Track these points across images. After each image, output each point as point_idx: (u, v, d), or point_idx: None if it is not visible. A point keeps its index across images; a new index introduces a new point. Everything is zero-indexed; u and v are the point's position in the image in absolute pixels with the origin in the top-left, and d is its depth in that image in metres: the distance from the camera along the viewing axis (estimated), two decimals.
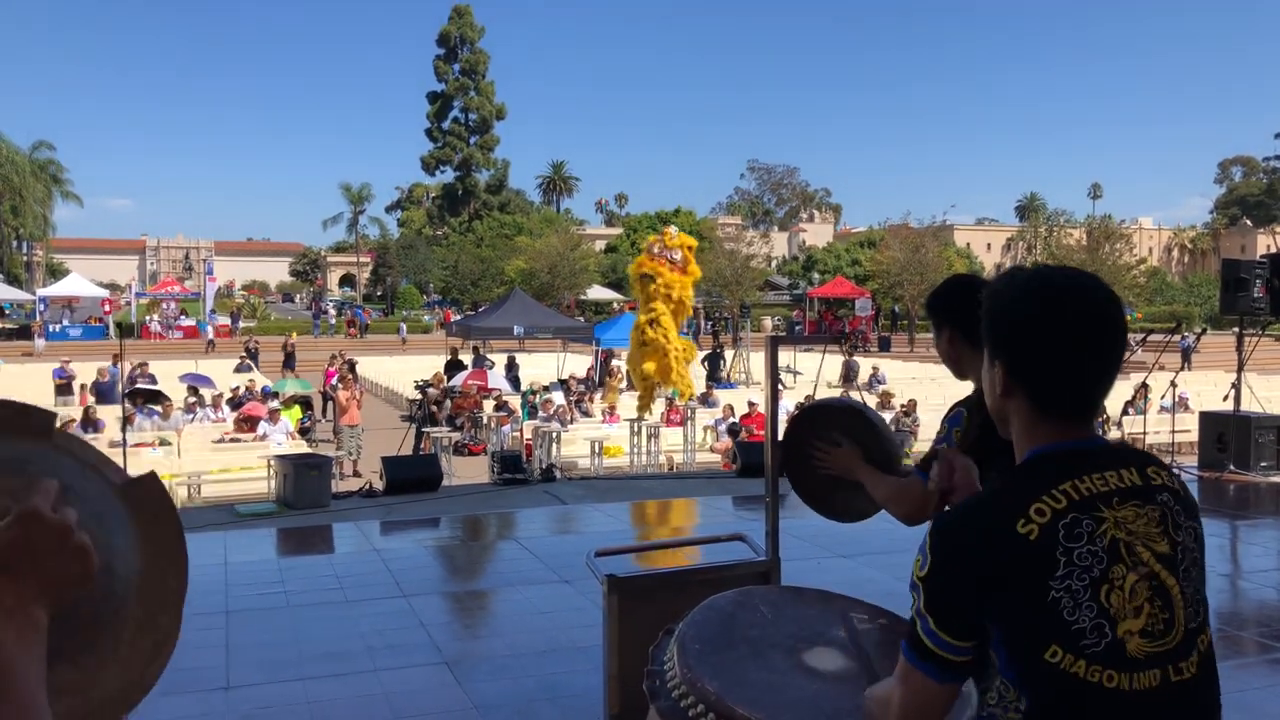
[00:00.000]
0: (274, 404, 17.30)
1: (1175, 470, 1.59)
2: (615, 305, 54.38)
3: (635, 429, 16.10)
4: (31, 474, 1.00)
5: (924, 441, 15.05)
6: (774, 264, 65.73)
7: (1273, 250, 12.46)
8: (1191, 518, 1.46)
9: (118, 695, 1.06)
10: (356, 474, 15.78)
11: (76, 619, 1.00)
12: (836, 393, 22.31)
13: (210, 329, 44.14)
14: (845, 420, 2.93)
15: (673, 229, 16.97)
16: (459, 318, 45.56)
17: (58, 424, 1.13)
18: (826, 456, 2.85)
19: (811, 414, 3.10)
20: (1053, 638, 1.33)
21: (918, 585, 1.40)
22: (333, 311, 55.99)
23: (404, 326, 50.27)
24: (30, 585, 0.91)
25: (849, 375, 26.40)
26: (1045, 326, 1.42)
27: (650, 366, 16.36)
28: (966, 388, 2.58)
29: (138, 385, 18.85)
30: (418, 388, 18.99)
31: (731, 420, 17.51)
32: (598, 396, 22.00)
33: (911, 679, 1.41)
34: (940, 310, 2.55)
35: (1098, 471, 1.41)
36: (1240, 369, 11.91)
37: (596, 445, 15.81)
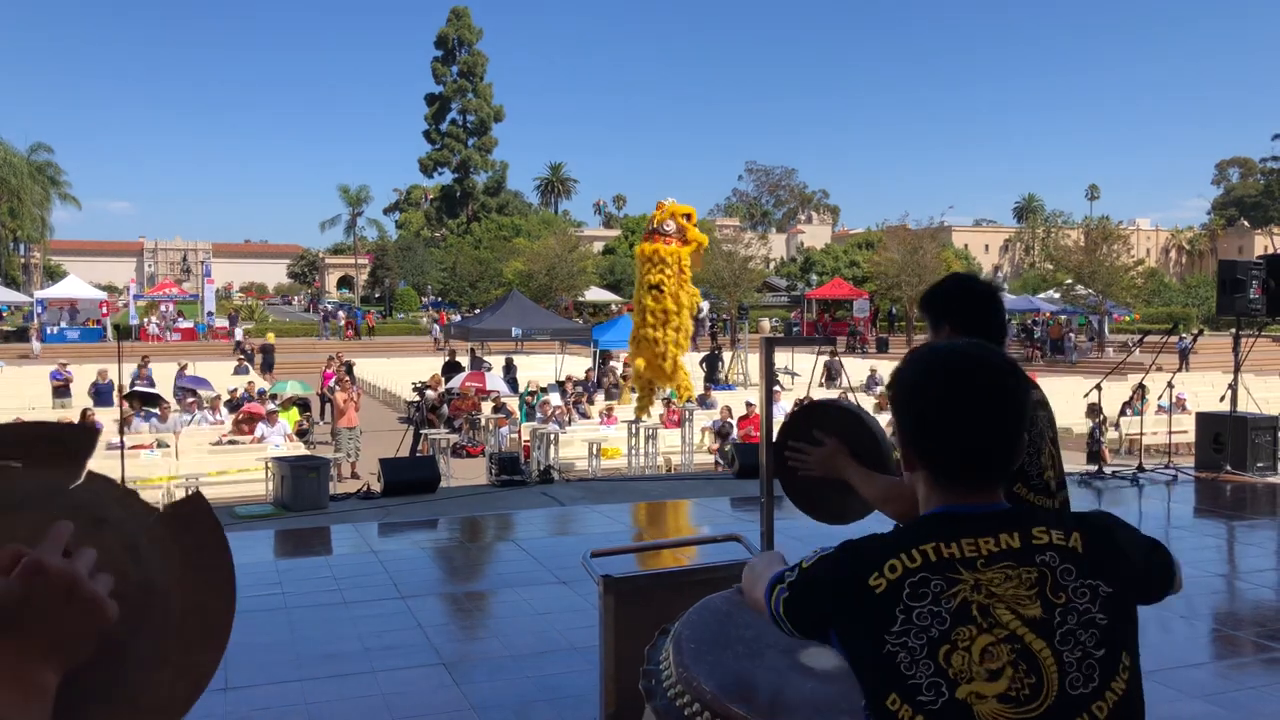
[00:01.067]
0: (272, 406, 17.30)
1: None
2: (613, 307, 54.37)
3: (633, 430, 16.11)
4: (50, 511, 0.93)
5: None
6: (772, 265, 65.76)
7: (1270, 251, 12.50)
8: (1092, 576, 1.40)
9: None
10: (355, 476, 15.80)
11: (107, 663, 0.93)
12: (821, 394, 22.31)
13: (240, 331, 43.83)
14: (839, 422, 2.92)
15: (668, 200, 16.33)
16: (457, 319, 45.55)
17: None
18: (806, 457, 2.82)
19: (803, 416, 3.09)
20: (891, 687, 1.35)
21: (796, 568, 1.51)
22: (342, 315, 55.91)
23: (437, 327, 47.47)
24: (34, 645, 0.84)
25: (831, 375, 26.46)
26: (937, 405, 1.47)
27: (641, 363, 16.31)
28: None
29: (135, 388, 18.85)
30: (415, 389, 19.00)
31: (719, 421, 17.47)
32: (598, 397, 21.98)
33: (760, 603, 1.60)
34: (939, 307, 2.56)
35: (970, 536, 1.41)
36: (1237, 370, 11.94)
37: (594, 447, 15.81)
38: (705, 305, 42.27)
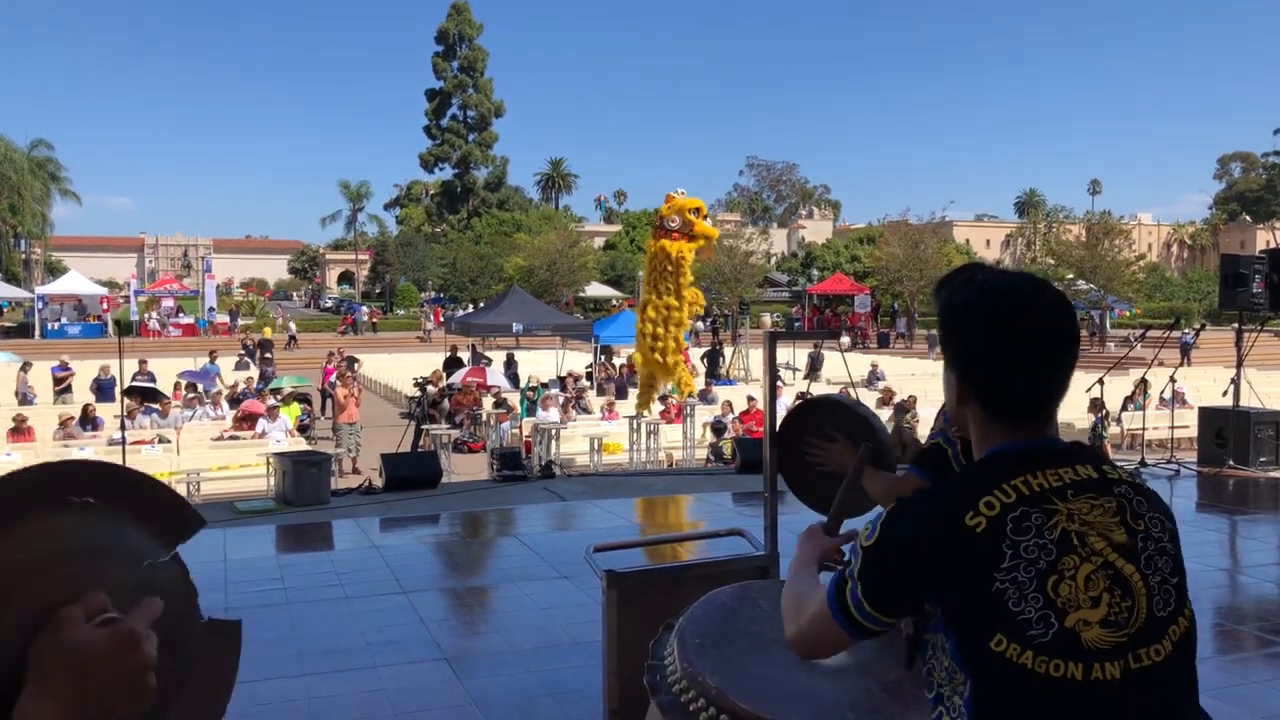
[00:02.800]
0: (273, 401, 17.30)
1: (1138, 470, 1.58)
2: (614, 302, 54.38)
3: (634, 426, 16.10)
4: (146, 581, 0.94)
5: (923, 437, 15.01)
6: (773, 261, 65.76)
7: (1272, 246, 12.47)
8: (1156, 509, 1.46)
9: None
10: (356, 471, 15.80)
11: None
12: (805, 385, 22.33)
13: (294, 326, 43.94)
14: (840, 416, 2.93)
15: (678, 191, 16.09)
16: (460, 314, 45.52)
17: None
18: (821, 453, 2.86)
19: (806, 410, 3.11)
20: (997, 627, 1.34)
21: (859, 550, 1.45)
22: (365, 310, 55.83)
23: (430, 323, 47.53)
24: (87, 700, 0.84)
25: (814, 366, 26.49)
26: (995, 334, 1.45)
27: (639, 358, 16.42)
28: None
29: (135, 384, 18.84)
30: (417, 385, 19.00)
31: (716, 417, 17.46)
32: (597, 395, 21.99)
33: (825, 621, 1.49)
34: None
35: (1052, 467, 1.43)
36: (1239, 364, 11.93)
37: (596, 442, 15.81)
38: (695, 321, 42.42)
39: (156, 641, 0.89)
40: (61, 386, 22.43)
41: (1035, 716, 1.34)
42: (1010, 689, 1.34)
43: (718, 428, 16.81)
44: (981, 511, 1.37)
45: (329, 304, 71.33)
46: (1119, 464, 1.53)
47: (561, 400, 18.74)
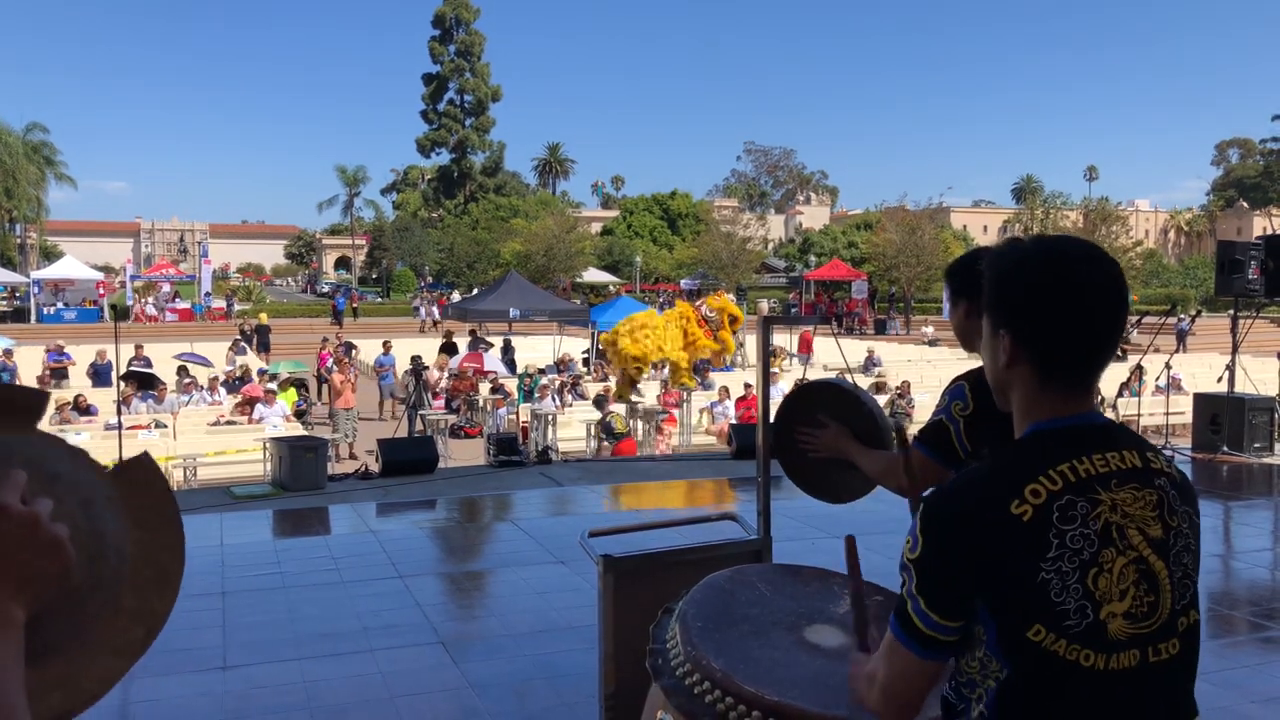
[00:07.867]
0: (270, 386, 17.28)
1: (1169, 454, 1.57)
2: (611, 288, 54.29)
3: (631, 412, 16.10)
4: (2, 464, 0.96)
5: (920, 423, 15.02)
6: (770, 246, 65.71)
7: (1269, 232, 12.46)
8: (1188, 503, 1.46)
9: (105, 678, 1.04)
10: (352, 456, 15.80)
11: (67, 612, 0.97)
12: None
13: (425, 310, 42.78)
14: (834, 401, 2.92)
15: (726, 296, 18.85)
16: (457, 299, 45.34)
17: (50, 406, 1.10)
18: (814, 439, 2.85)
19: (800, 396, 3.10)
20: (1037, 617, 1.34)
21: (908, 566, 1.41)
22: (424, 302, 54.39)
23: (424, 309, 45.50)
24: (3, 582, 0.87)
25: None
26: (1056, 293, 1.41)
27: (610, 339, 17.22)
28: (964, 365, 2.57)
29: (132, 369, 18.79)
30: (410, 372, 18.94)
31: (712, 403, 17.48)
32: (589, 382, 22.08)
33: (897, 655, 1.43)
34: (963, 282, 2.51)
35: (1098, 452, 1.40)
36: (1235, 351, 11.94)
37: (592, 428, 15.79)
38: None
39: (48, 505, 0.91)
40: (63, 376, 22.38)
41: (1059, 702, 1.35)
42: (1039, 675, 1.35)
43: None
44: (1028, 500, 1.35)
45: (325, 289, 71.14)
46: (1158, 450, 1.51)
47: (558, 385, 18.73)
